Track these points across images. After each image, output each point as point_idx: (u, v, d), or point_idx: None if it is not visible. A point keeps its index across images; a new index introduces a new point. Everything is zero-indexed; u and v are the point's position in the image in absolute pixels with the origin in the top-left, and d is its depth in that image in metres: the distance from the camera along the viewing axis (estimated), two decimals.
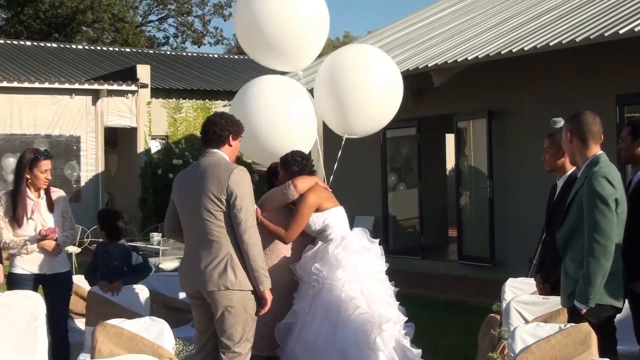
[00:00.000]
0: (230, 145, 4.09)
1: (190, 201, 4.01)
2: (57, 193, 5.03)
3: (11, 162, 14.17)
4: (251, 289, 3.94)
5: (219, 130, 4.06)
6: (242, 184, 3.92)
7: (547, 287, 4.40)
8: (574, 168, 4.39)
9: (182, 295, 5.46)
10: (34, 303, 4.32)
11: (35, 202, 4.88)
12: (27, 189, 4.86)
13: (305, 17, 5.20)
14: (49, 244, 4.82)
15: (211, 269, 3.90)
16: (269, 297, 3.96)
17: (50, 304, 4.76)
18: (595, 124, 3.73)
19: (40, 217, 4.86)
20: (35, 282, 4.87)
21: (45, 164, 4.87)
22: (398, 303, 4.60)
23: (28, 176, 4.84)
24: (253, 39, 5.26)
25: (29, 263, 4.86)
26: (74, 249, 9.80)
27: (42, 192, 4.92)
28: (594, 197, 3.55)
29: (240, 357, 3.96)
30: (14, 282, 4.83)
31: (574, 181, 4.23)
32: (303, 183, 4.53)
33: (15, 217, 4.79)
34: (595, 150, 3.73)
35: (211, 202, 3.91)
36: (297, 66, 5.50)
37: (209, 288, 3.91)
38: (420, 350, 4.53)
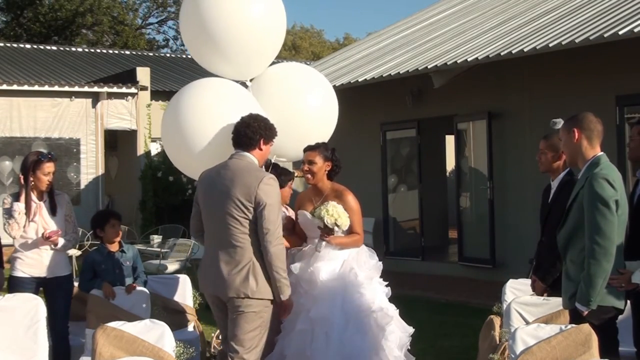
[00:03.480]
0: (261, 150, 4.05)
1: (214, 204, 3.96)
2: (60, 196, 5.04)
3: (7, 165, 14.16)
4: (271, 298, 3.92)
5: (251, 133, 4.00)
6: (271, 193, 3.87)
7: (542, 286, 4.39)
8: (568, 169, 4.39)
9: (182, 297, 5.47)
10: (34, 306, 4.32)
11: (37, 204, 4.88)
12: (31, 192, 4.86)
13: (260, 19, 4.54)
14: (53, 241, 4.84)
15: (233, 276, 3.87)
16: (290, 304, 3.96)
17: (51, 307, 4.76)
18: (599, 124, 3.75)
19: (42, 220, 4.87)
20: (36, 285, 4.87)
21: (49, 167, 4.88)
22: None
23: (31, 178, 4.85)
24: (198, 38, 4.59)
25: (30, 266, 4.87)
26: (74, 252, 9.80)
27: (45, 195, 4.92)
28: (594, 199, 3.55)
29: None
30: (15, 285, 4.83)
31: (569, 182, 4.24)
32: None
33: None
34: (597, 151, 3.73)
35: (237, 208, 3.86)
36: (245, 75, 4.74)
37: (229, 294, 3.89)
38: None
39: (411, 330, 4.46)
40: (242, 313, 3.88)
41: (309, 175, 4.49)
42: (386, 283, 4.53)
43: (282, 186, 4.30)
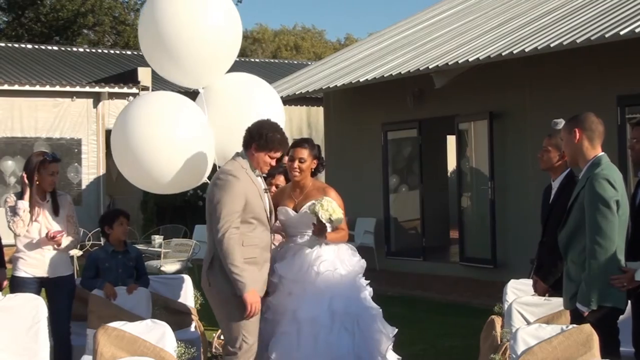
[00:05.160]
0: (253, 155, 4.12)
1: None
2: (63, 197, 5.05)
3: (10, 165, 14.17)
4: (230, 291, 3.98)
5: (247, 135, 4.15)
6: (222, 188, 3.97)
7: (543, 286, 4.39)
8: (569, 169, 4.39)
9: (183, 297, 5.47)
10: (35, 306, 4.31)
11: (40, 204, 4.89)
12: (35, 192, 4.86)
13: (215, 27, 4.70)
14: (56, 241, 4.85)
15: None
16: (249, 300, 3.94)
17: (52, 307, 4.76)
18: (600, 125, 3.75)
19: (45, 220, 4.87)
20: (38, 285, 4.88)
21: (54, 167, 4.90)
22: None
23: (36, 178, 4.85)
24: (155, 47, 4.78)
25: (32, 266, 4.87)
26: (75, 252, 9.81)
27: (48, 195, 4.93)
28: (595, 199, 3.55)
29: (235, 357, 3.99)
30: (17, 285, 4.84)
31: (570, 182, 4.24)
32: None
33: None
34: (598, 151, 3.73)
35: (207, 204, 4.12)
36: (199, 83, 4.90)
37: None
38: None
39: (394, 330, 4.37)
40: (213, 307, 4.13)
41: (297, 173, 4.37)
42: (368, 281, 4.45)
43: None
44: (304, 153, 4.36)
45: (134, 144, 4.48)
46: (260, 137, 4.09)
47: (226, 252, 3.92)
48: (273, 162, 4.18)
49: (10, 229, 4.84)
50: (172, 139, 4.51)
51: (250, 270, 3.98)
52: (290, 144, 4.45)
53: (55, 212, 4.93)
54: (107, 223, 5.25)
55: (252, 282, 3.97)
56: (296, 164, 4.35)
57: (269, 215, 4.17)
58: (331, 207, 4.18)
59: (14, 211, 4.81)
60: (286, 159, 6.05)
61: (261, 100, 4.97)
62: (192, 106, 4.70)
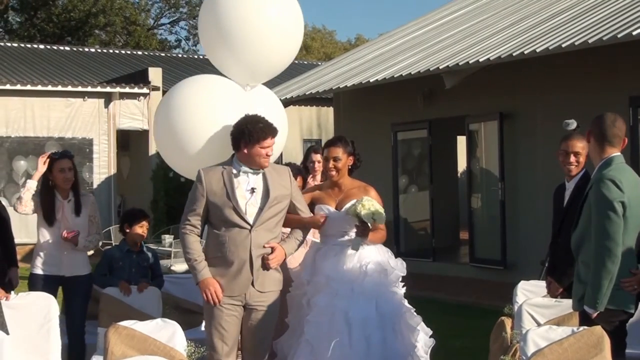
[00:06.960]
0: (245, 152, 4.01)
1: None
2: (86, 197, 5.09)
3: (22, 164, 14.27)
4: (195, 281, 4.03)
5: (232, 138, 4.06)
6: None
7: (557, 288, 4.38)
8: (585, 170, 4.37)
9: (193, 297, 5.49)
10: (47, 305, 4.35)
11: (61, 203, 4.92)
12: (55, 190, 4.92)
13: (279, 25, 4.49)
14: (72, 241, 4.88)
15: None
16: (203, 288, 3.95)
17: (68, 305, 4.80)
18: (612, 127, 3.68)
19: (64, 219, 4.90)
20: (55, 283, 4.91)
21: (61, 163, 4.91)
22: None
23: (49, 177, 4.88)
24: (214, 39, 4.60)
25: (51, 264, 4.90)
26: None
27: (70, 194, 4.95)
28: (599, 200, 3.54)
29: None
30: (34, 283, 4.87)
31: (586, 183, 4.22)
32: None
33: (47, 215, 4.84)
34: (611, 152, 3.70)
35: None
36: (257, 79, 4.68)
37: None
38: None
39: (430, 331, 4.36)
40: None
41: (334, 172, 4.32)
42: (402, 283, 4.44)
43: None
44: (338, 152, 4.32)
45: (178, 126, 4.37)
46: (243, 133, 3.98)
47: (182, 245, 4.07)
48: (269, 152, 4.00)
49: (16, 210, 4.83)
50: (219, 123, 4.32)
51: (217, 267, 3.98)
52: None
53: (76, 212, 4.95)
54: (127, 221, 5.28)
55: (220, 275, 3.96)
56: (331, 163, 4.31)
57: (244, 215, 3.96)
58: (372, 205, 4.11)
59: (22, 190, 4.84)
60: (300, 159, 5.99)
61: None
62: (239, 91, 4.55)
